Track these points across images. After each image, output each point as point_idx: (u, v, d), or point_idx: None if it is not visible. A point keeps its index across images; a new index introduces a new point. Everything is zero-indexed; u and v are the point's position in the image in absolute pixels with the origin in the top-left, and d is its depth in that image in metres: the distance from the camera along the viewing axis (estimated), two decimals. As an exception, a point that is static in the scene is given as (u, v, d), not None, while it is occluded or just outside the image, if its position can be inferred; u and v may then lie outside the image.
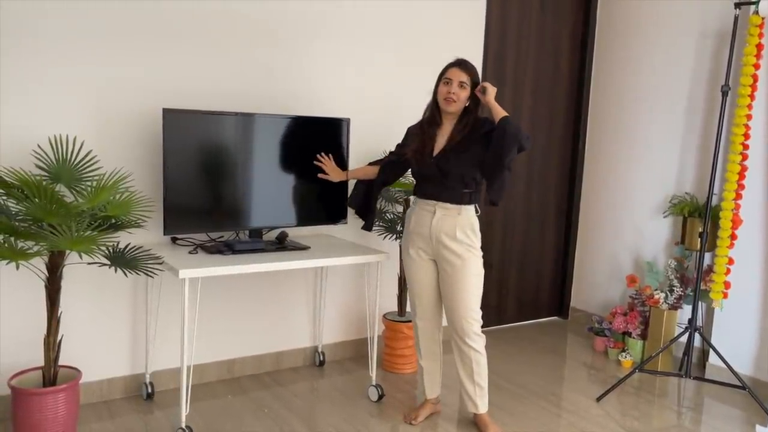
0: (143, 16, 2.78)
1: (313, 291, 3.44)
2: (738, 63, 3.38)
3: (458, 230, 2.59)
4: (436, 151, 2.62)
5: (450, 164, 2.57)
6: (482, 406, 2.75)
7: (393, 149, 2.88)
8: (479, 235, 2.65)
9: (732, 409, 3.18)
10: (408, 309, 3.28)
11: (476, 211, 2.65)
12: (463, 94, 2.58)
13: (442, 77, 2.62)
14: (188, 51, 2.90)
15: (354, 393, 3.11)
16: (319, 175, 2.95)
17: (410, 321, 3.20)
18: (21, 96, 2.58)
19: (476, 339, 2.65)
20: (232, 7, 2.98)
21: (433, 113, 2.67)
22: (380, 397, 3.05)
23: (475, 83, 2.61)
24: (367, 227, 2.91)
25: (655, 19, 3.97)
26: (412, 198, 2.78)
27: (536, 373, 3.53)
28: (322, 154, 2.96)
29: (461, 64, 2.61)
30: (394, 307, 3.54)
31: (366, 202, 2.89)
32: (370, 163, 2.94)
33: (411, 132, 2.77)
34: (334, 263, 2.85)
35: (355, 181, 2.97)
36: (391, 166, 2.83)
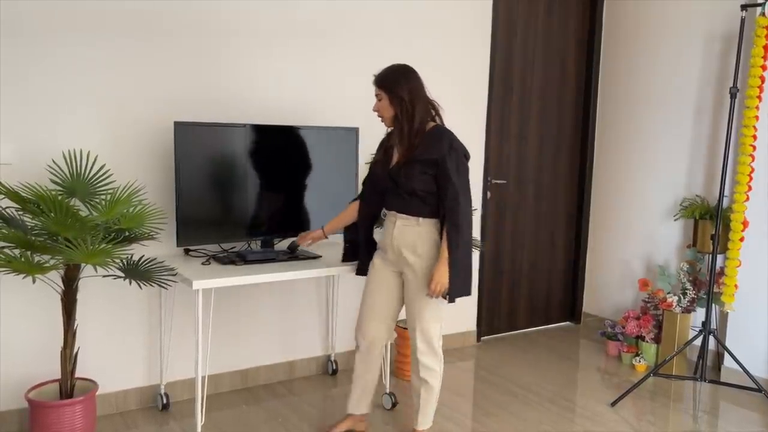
0: (154, 30, 2.82)
1: (325, 300, 3.45)
2: (746, 65, 3.38)
3: (419, 243, 2.48)
4: (393, 162, 2.54)
5: (401, 177, 2.46)
6: (422, 424, 2.63)
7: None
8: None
9: (749, 413, 3.16)
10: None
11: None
12: (384, 105, 2.48)
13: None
14: (197, 63, 2.94)
15: (367, 401, 3.11)
16: (305, 246, 2.86)
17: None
18: (35, 112, 2.62)
19: (430, 357, 2.55)
20: (241, 18, 3.02)
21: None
22: (394, 405, 3.05)
23: (386, 87, 2.46)
24: (362, 272, 2.72)
25: (661, 22, 3.98)
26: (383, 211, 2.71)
27: (549, 378, 3.52)
28: (299, 235, 2.88)
29: (374, 77, 2.52)
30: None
31: (355, 249, 2.73)
32: (350, 202, 2.78)
33: (378, 147, 2.69)
34: (346, 272, 2.86)
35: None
36: (369, 190, 2.67)
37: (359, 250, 2.72)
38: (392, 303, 2.63)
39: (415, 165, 2.44)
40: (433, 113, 2.52)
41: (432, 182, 2.45)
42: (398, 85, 2.45)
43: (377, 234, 2.75)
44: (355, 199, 2.76)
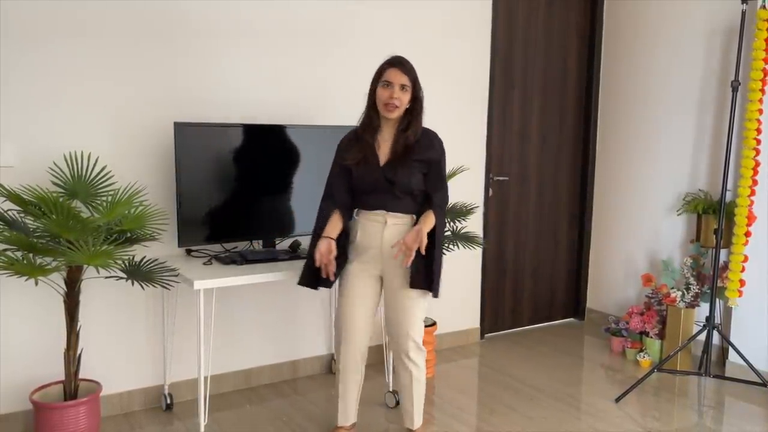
0: (154, 32, 2.82)
1: (327, 298, 3.45)
2: (747, 58, 3.37)
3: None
4: (381, 159, 2.42)
5: (398, 174, 2.38)
6: (417, 422, 2.63)
7: (331, 174, 2.54)
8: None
9: (754, 407, 3.15)
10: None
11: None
12: (405, 98, 2.37)
13: (380, 79, 2.38)
14: (198, 64, 2.94)
15: (371, 400, 3.11)
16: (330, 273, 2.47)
17: (428, 326, 3.12)
18: (36, 114, 2.63)
19: (419, 354, 2.53)
20: (242, 18, 3.02)
21: (371, 117, 2.44)
22: (397, 403, 3.05)
23: (414, 81, 2.39)
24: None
25: (662, 16, 3.96)
26: (355, 210, 2.54)
27: (553, 375, 3.51)
28: (323, 264, 2.42)
29: (401, 63, 2.38)
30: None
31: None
32: (325, 215, 2.50)
33: (345, 145, 2.50)
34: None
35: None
36: (342, 193, 2.49)
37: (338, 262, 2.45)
38: (373, 309, 2.55)
39: (414, 163, 2.42)
40: None
41: (423, 181, 2.46)
42: (418, 82, 2.44)
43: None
44: (329, 205, 2.50)
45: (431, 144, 2.47)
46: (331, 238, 2.42)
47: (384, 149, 2.45)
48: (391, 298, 2.50)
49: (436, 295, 2.45)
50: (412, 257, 2.33)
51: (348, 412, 2.63)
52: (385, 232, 2.44)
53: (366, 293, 2.51)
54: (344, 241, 2.51)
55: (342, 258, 2.49)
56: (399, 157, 2.41)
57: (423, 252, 2.35)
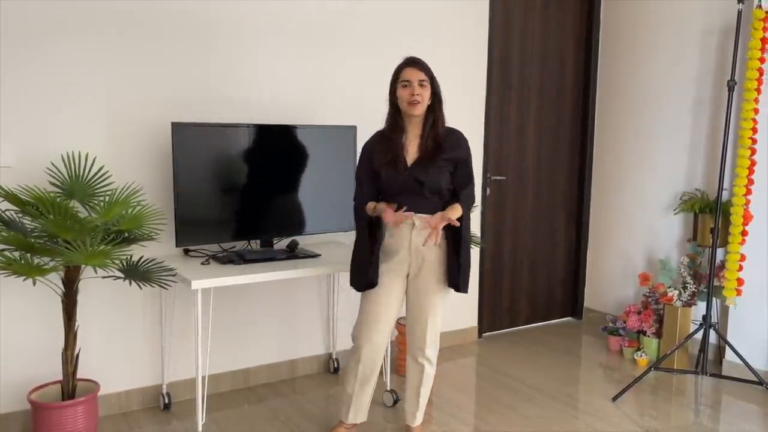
0: (151, 31, 2.82)
1: (325, 298, 3.46)
2: (743, 57, 3.37)
3: (440, 242, 2.44)
4: (409, 161, 2.45)
5: (428, 174, 2.41)
6: (419, 419, 2.68)
7: (358, 178, 2.58)
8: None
9: (750, 406, 3.16)
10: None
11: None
12: (426, 94, 2.42)
13: (399, 80, 2.44)
14: (195, 64, 2.94)
15: (369, 399, 3.11)
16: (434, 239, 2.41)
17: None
18: (34, 114, 2.63)
19: (434, 351, 2.59)
20: (239, 18, 3.02)
21: (395, 120, 2.48)
22: (395, 402, 3.05)
23: (430, 76, 2.44)
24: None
25: (658, 16, 3.97)
26: None
27: (551, 374, 3.52)
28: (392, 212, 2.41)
29: (416, 62, 2.45)
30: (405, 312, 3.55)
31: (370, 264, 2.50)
32: (361, 206, 2.55)
33: (370, 147, 2.53)
34: (346, 269, 2.86)
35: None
36: (371, 194, 2.53)
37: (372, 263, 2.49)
38: (396, 307, 2.58)
39: (442, 163, 2.45)
40: None
41: (450, 180, 2.48)
42: (435, 78, 2.48)
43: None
44: (362, 202, 2.54)
45: (458, 143, 2.51)
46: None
47: (411, 150, 2.48)
48: (416, 296, 2.54)
49: (465, 291, 2.51)
50: (439, 235, 2.35)
51: (360, 411, 2.65)
52: (414, 233, 2.47)
53: (394, 294, 2.53)
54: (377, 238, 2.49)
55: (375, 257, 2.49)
56: (429, 154, 2.44)
57: (456, 224, 2.37)
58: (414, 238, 2.47)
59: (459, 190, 2.49)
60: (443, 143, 2.46)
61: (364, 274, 2.49)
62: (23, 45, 2.58)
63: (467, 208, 2.49)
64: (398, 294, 2.55)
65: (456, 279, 2.49)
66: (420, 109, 2.43)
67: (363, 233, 2.52)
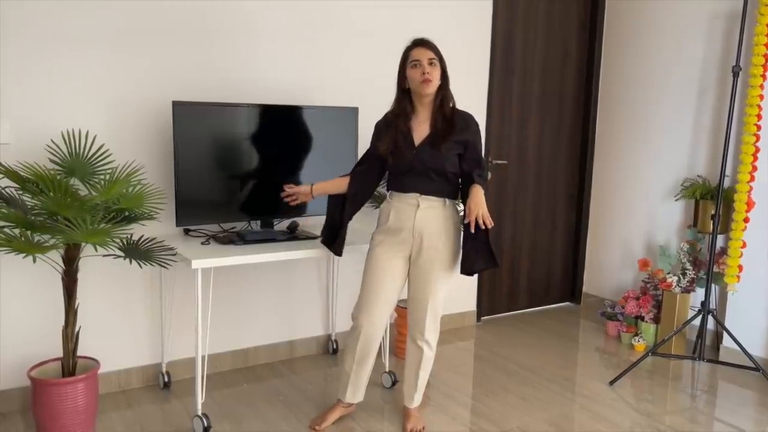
0: (151, 10, 2.79)
1: (325, 279, 3.46)
2: (749, 43, 3.34)
3: (443, 231, 2.48)
4: (417, 141, 2.46)
5: (435, 156, 2.42)
6: (417, 400, 2.70)
7: (365, 154, 2.63)
8: (461, 230, 2.53)
9: (746, 391, 3.18)
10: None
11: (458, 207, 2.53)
12: (436, 73, 2.41)
13: (408, 61, 2.44)
14: (196, 43, 2.92)
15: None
16: (291, 203, 2.70)
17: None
18: (33, 92, 2.61)
19: (434, 334, 2.59)
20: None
21: (403, 103, 2.48)
22: (393, 383, 3.07)
23: (439, 56, 2.44)
24: (338, 252, 2.60)
25: (663, 1, 3.93)
26: (388, 193, 2.59)
27: (549, 358, 3.54)
28: (284, 187, 2.69)
29: (424, 42, 2.45)
30: (406, 295, 3.55)
31: (334, 224, 2.61)
32: (341, 176, 2.66)
33: (378, 130, 2.57)
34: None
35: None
36: (360, 176, 2.59)
37: (337, 230, 2.59)
38: (398, 288, 2.59)
39: (451, 144, 2.44)
40: None
41: (457, 163, 2.47)
42: (443, 59, 2.47)
43: (370, 215, 2.66)
44: (346, 175, 2.63)
45: (467, 125, 2.50)
46: (312, 188, 2.64)
47: (420, 131, 2.48)
48: (419, 278, 2.53)
49: (497, 265, 2.51)
50: (487, 217, 2.35)
51: (358, 390, 2.68)
52: (418, 214, 2.47)
53: (395, 274, 2.54)
54: (339, 209, 2.60)
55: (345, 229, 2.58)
56: (440, 133, 2.44)
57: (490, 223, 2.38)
58: (418, 219, 2.47)
59: (471, 172, 2.47)
60: (454, 123, 2.46)
61: (327, 229, 2.64)
62: (21, 24, 2.55)
63: (486, 189, 2.47)
64: (399, 273, 2.55)
65: (487, 262, 2.47)
66: (432, 87, 2.42)
67: (337, 198, 2.61)
